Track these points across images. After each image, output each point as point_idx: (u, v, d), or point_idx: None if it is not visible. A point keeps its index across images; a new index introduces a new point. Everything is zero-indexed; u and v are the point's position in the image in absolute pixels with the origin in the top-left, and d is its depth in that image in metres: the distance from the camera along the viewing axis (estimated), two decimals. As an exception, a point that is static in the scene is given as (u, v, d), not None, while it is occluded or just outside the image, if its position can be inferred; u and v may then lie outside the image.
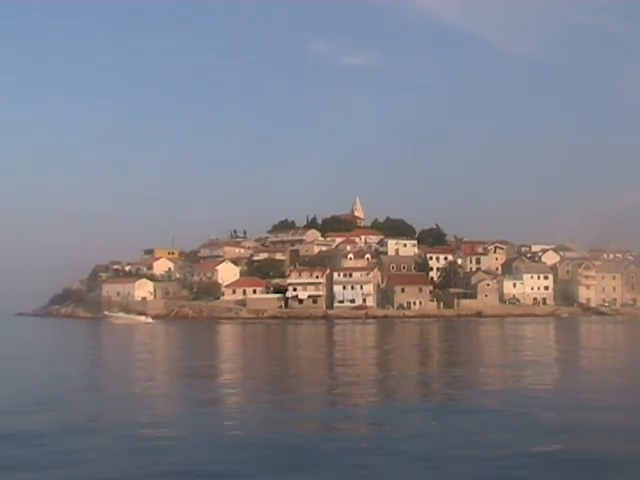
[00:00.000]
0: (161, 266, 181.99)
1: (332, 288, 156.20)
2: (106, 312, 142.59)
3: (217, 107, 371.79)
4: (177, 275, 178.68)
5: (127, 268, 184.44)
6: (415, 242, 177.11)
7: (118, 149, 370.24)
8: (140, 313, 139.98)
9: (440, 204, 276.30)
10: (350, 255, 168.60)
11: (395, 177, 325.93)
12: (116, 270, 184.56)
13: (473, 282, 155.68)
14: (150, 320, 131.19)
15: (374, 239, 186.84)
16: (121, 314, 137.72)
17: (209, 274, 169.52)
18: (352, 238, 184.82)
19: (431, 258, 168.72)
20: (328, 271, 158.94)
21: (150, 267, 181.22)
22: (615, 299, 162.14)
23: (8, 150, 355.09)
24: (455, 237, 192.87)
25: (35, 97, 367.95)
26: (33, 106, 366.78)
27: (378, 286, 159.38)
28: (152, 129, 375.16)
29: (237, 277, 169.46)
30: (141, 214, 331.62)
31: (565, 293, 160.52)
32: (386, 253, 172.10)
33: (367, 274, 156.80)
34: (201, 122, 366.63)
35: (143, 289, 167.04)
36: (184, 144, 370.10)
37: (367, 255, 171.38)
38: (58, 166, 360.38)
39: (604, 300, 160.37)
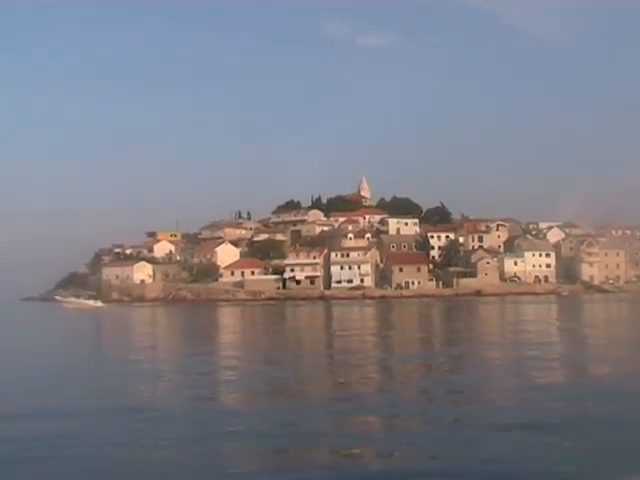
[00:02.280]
0: (162, 249, 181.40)
1: (330, 268, 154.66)
2: (57, 297, 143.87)
3: (229, 88, 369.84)
4: (178, 257, 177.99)
5: (128, 251, 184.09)
6: (417, 221, 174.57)
7: (126, 131, 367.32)
8: (91, 297, 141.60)
9: (449, 183, 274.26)
10: (350, 235, 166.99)
11: (405, 156, 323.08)
12: (117, 253, 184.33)
13: (473, 260, 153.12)
14: (100, 304, 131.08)
15: (377, 218, 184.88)
16: (72, 298, 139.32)
17: (208, 256, 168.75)
18: (355, 218, 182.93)
19: (432, 237, 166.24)
20: (326, 251, 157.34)
21: (151, 250, 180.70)
22: (619, 276, 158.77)
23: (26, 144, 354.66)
24: (462, 215, 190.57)
25: (35, 93, 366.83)
26: (34, 103, 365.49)
27: (377, 266, 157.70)
28: (160, 109, 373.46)
29: (237, 258, 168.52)
30: (148, 197, 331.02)
31: (568, 271, 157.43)
32: (387, 232, 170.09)
33: (365, 254, 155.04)
34: (215, 102, 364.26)
35: (142, 272, 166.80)
36: (194, 123, 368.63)
37: (368, 235, 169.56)
38: (72, 156, 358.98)
39: (607, 277, 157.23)
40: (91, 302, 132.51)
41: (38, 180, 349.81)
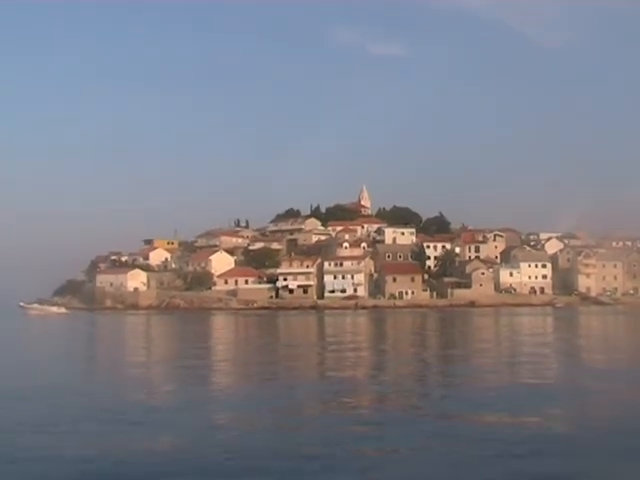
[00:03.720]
0: (158, 256, 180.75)
1: (323, 278, 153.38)
2: (21, 303, 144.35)
3: (232, 94, 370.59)
4: (173, 265, 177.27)
5: (124, 258, 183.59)
6: (413, 230, 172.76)
7: (125, 138, 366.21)
8: (54, 304, 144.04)
9: (451, 193, 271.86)
10: (346, 244, 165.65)
11: (408, 166, 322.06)
12: (113, 261, 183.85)
13: (468, 271, 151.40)
14: (63, 310, 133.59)
15: (375, 228, 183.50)
16: (35, 305, 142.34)
17: (203, 264, 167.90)
18: (352, 227, 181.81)
19: (429, 247, 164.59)
20: (319, 260, 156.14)
21: (147, 257, 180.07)
22: (616, 288, 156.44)
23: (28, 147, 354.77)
24: (463, 225, 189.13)
25: (33, 92, 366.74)
26: (32, 104, 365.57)
27: (371, 276, 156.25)
28: (162, 117, 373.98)
29: (232, 267, 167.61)
30: (150, 205, 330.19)
31: (565, 282, 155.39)
32: (384, 242, 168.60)
33: (358, 263, 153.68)
34: (218, 109, 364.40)
35: (136, 279, 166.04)
36: (197, 130, 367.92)
37: (363, 244, 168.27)
38: (77, 161, 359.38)
39: (604, 289, 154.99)
40: (55, 309, 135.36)
41: (38, 182, 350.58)
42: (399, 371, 35.35)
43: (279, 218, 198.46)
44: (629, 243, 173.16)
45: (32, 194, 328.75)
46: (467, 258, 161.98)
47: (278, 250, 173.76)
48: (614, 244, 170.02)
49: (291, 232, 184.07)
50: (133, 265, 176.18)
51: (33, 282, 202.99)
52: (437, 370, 36.49)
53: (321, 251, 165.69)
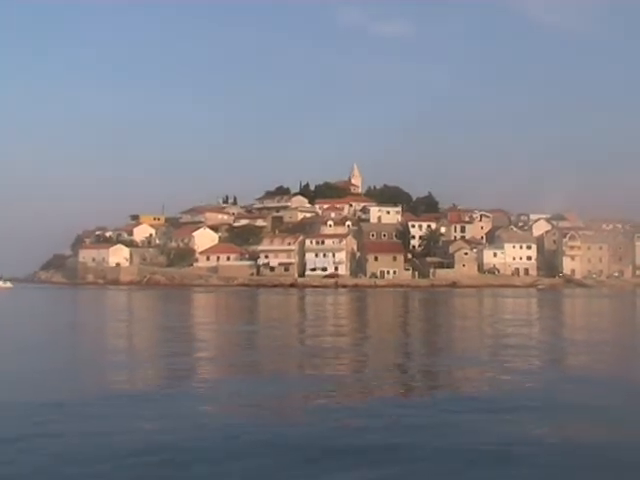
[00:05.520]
0: (142, 232, 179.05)
1: (304, 255, 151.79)
2: None
3: (235, 75, 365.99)
4: (157, 241, 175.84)
5: (109, 234, 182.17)
6: (399, 209, 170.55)
7: (119, 119, 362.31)
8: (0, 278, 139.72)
9: (446, 174, 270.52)
10: (330, 222, 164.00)
11: (403, 146, 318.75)
12: (98, 236, 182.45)
13: (451, 251, 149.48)
14: (9, 285, 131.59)
15: (361, 206, 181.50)
16: None
17: (186, 240, 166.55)
18: (339, 205, 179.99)
19: (414, 226, 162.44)
20: (301, 238, 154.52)
21: (131, 233, 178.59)
22: (601, 270, 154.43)
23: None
24: (453, 204, 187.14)
25: (31, 71, 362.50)
26: (29, 80, 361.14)
27: (354, 254, 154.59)
28: (167, 95, 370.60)
29: (215, 243, 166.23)
30: (141, 181, 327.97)
31: (550, 264, 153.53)
32: (369, 220, 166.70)
33: (340, 242, 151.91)
34: (218, 89, 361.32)
35: (118, 255, 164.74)
36: (197, 107, 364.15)
37: (348, 222, 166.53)
38: (71, 133, 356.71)
39: (589, 271, 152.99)
40: (0, 283, 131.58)
41: (38, 160, 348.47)
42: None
43: (267, 195, 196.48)
44: (619, 225, 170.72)
45: (34, 170, 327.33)
46: (453, 238, 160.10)
47: (262, 227, 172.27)
48: (604, 226, 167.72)
49: (277, 209, 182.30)
50: (117, 240, 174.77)
51: (27, 256, 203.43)
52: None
53: (306, 229, 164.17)
